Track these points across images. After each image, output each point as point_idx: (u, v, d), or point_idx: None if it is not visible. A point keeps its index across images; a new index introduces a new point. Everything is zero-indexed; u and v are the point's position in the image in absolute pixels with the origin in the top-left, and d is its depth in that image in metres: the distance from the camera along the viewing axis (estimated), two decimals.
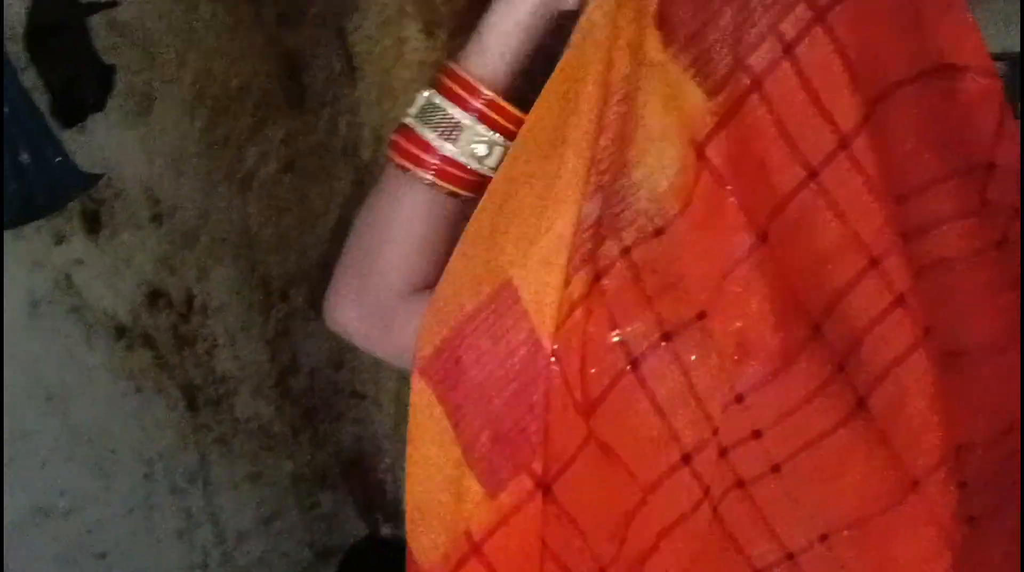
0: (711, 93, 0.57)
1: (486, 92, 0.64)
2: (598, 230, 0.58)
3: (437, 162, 0.63)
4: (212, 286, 1.24)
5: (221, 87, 1.23)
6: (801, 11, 0.57)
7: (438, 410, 0.61)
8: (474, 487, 0.60)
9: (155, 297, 1.18)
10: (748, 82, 0.57)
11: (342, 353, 1.45)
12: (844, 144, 0.57)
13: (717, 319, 0.59)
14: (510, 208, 0.62)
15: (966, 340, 0.61)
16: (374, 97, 1.45)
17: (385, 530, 1.56)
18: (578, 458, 0.61)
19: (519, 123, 0.63)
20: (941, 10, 0.60)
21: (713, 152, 0.57)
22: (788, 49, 0.57)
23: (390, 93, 1.46)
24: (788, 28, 0.57)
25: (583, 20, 0.61)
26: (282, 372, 1.35)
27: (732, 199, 0.58)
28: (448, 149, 0.64)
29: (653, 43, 0.60)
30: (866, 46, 0.57)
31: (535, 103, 0.62)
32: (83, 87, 1.06)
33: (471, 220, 0.62)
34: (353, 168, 1.44)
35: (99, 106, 1.07)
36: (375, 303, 0.66)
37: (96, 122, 1.08)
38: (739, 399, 0.60)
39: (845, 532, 0.61)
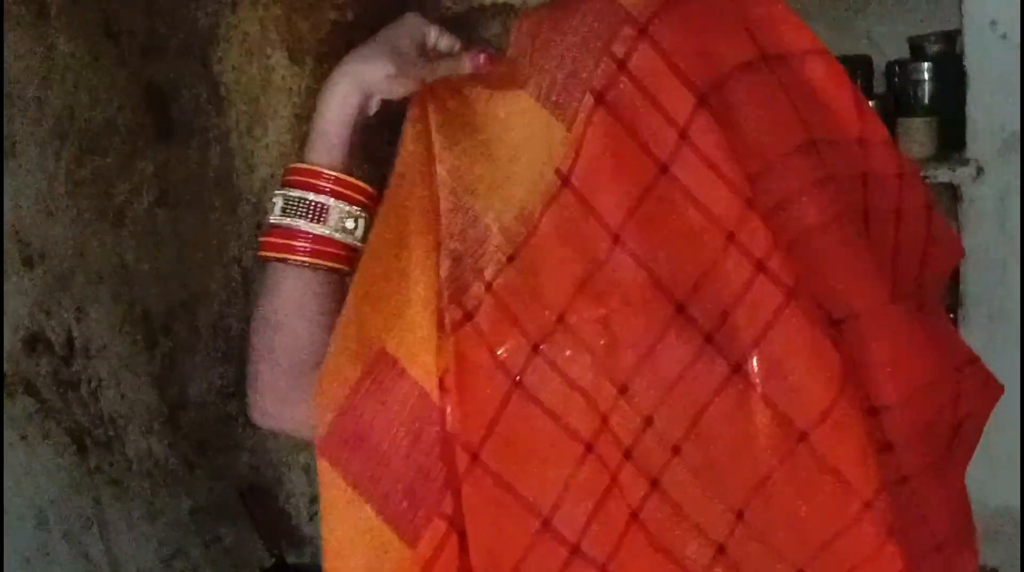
0: (568, 124, 0.64)
1: (331, 173, 0.71)
2: (459, 280, 0.63)
3: (308, 245, 0.70)
4: (92, 326, 1.22)
5: (86, 123, 1.21)
6: (627, 32, 0.64)
7: (342, 483, 0.65)
8: (394, 541, 0.64)
9: (33, 342, 1.15)
10: (592, 101, 0.63)
11: (231, 383, 1.44)
12: (684, 134, 0.63)
13: (576, 316, 0.63)
14: (375, 286, 0.68)
15: (847, 305, 0.67)
16: (244, 126, 1.45)
17: (291, 557, 1.55)
18: (470, 493, 0.65)
19: (371, 195, 0.71)
20: (766, 10, 0.66)
21: (576, 175, 0.64)
22: (621, 65, 0.64)
23: (260, 121, 1.46)
24: (618, 48, 0.64)
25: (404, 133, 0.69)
26: (172, 407, 1.33)
27: (592, 208, 0.63)
28: (319, 230, 0.71)
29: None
30: (689, 48, 0.64)
31: (384, 196, 0.68)
32: None
33: (346, 300, 0.67)
34: (227, 197, 1.44)
35: None
36: (272, 389, 0.71)
37: None
38: (623, 390, 0.64)
39: (754, 502, 0.66)
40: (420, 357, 0.64)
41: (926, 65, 1.34)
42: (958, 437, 0.73)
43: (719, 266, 0.66)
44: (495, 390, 0.64)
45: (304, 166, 0.71)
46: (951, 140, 1.30)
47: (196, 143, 1.38)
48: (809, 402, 0.66)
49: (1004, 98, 1.23)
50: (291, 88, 1.46)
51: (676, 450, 0.66)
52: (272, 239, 0.72)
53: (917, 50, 1.39)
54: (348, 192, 0.72)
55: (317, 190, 0.71)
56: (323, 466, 0.67)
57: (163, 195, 1.33)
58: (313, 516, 1.61)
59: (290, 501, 1.58)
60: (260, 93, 1.45)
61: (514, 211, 0.64)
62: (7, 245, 1.12)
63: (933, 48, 1.37)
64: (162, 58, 1.34)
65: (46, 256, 1.16)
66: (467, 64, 0.73)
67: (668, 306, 0.65)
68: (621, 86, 0.64)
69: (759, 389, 0.65)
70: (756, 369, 0.65)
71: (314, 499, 1.60)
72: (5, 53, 1.11)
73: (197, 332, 1.37)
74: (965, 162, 1.29)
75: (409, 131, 0.69)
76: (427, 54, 0.75)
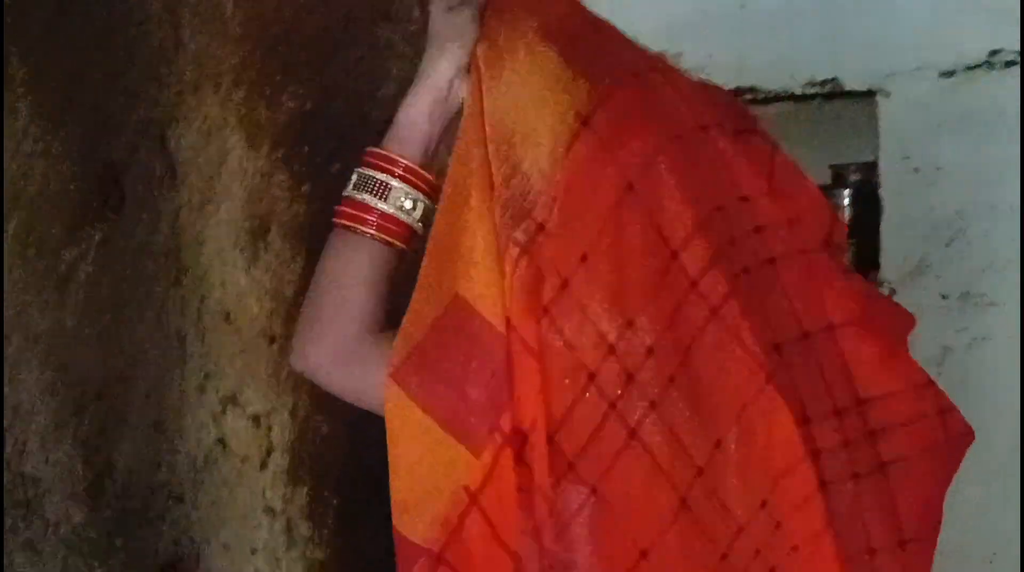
0: (592, 85, 0.79)
1: (402, 160, 0.87)
2: (511, 224, 0.78)
3: (375, 219, 0.88)
4: (23, 386, 1.23)
5: (38, 192, 1.25)
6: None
7: (410, 405, 0.79)
8: (461, 451, 0.75)
9: None
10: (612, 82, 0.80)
11: (161, 454, 1.45)
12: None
13: (593, 256, 0.75)
14: (446, 238, 0.82)
15: (786, 332, 0.76)
16: (196, 202, 1.49)
17: None
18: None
19: (434, 185, 0.86)
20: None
21: (595, 122, 0.77)
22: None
23: (213, 198, 1.50)
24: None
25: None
26: (97, 474, 1.33)
27: (609, 151, 0.73)
28: (382, 206, 0.85)
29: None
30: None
31: (447, 172, 0.84)
32: None
33: (425, 252, 0.81)
34: (174, 270, 1.47)
35: None
36: (335, 345, 0.87)
37: None
38: (630, 324, 0.72)
39: (731, 432, 0.75)
40: (488, 297, 0.78)
41: (846, 191, 1.44)
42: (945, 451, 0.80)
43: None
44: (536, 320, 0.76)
45: (379, 150, 0.88)
46: (866, 262, 1.38)
47: (146, 216, 1.42)
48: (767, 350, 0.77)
49: (915, 226, 1.31)
50: (246, 170, 1.51)
51: (672, 380, 0.76)
52: (346, 209, 0.87)
53: (838, 177, 1.49)
54: (411, 177, 0.86)
55: (386, 171, 0.86)
56: (394, 392, 0.80)
57: (109, 264, 1.35)
58: None
59: None
60: (215, 173, 1.49)
61: (545, 154, 0.77)
62: None
63: (853, 177, 1.46)
64: (120, 133, 1.38)
65: None
66: None
67: (665, 258, 0.75)
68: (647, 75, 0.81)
69: (735, 329, 0.75)
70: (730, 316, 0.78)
71: None
72: None
73: (130, 400, 1.38)
74: (880, 283, 1.37)
75: (467, 90, 0.83)
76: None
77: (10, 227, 1.21)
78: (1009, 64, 1.16)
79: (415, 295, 0.83)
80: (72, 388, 1.29)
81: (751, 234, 0.78)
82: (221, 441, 1.55)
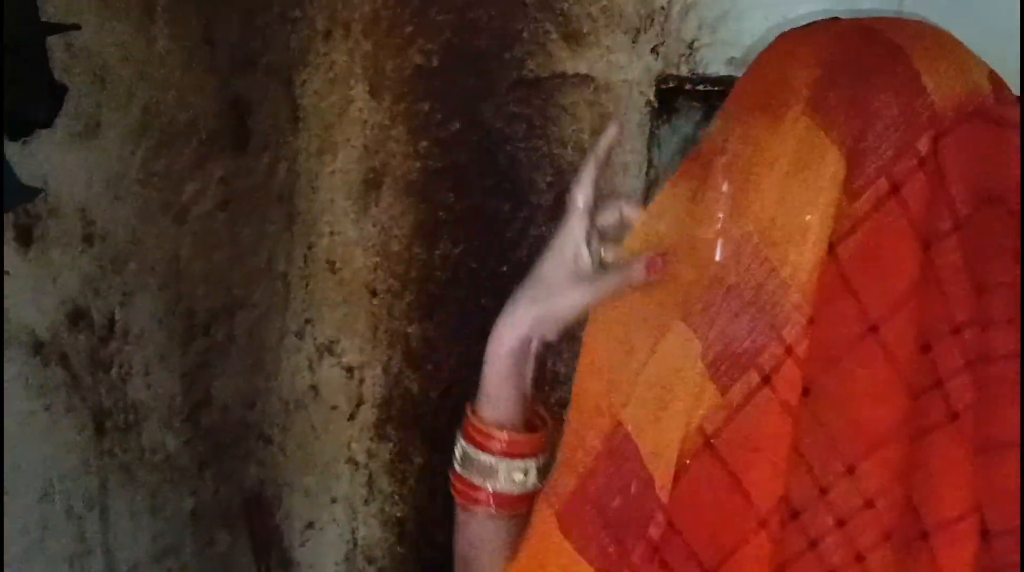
0: (855, 195, 0.66)
1: (501, 435, 0.75)
2: (751, 338, 0.65)
3: (488, 498, 0.75)
4: (135, 313, 1.25)
5: (168, 121, 1.26)
6: (930, 133, 0.66)
7: (570, 549, 0.68)
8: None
9: (77, 317, 1.18)
10: (888, 187, 0.65)
11: (256, 393, 1.46)
12: (927, 244, 0.65)
13: None
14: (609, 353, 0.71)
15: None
16: (314, 149, 1.50)
17: None
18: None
19: (540, 444, 0.76)
20: (1010, 155, 0.69)
21: (843, 251, 0.65)
22: (921, 163, 0.66)
23: (331, 147, 1.50)
24: (922, 146, 0.66)
25: None
26: (194, 406, 1.35)
27: (851, 289, 0.65)
28: (492, 485, 0.75)
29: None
30: (965, 171, 0.66)
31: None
32: (34, 103, 1.08)
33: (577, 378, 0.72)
34: (286, 214, 1.48)
35: (47, 123, 1.09)
36: None
37: (41, 139, 1.10)
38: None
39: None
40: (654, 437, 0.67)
41: None
42: None
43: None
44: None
45: (476, 423, 0.76)
46: None
47: (266, 157, 1.43)
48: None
49: None
50: (366, 121, 1.50)
51: (805, 392, 0.67)
52: (458, 486, 0.78)
53: None
54: (516, 450, 0.75)
55: (487, 449, 0.76)
56: (550, 528, 0.70)
57: (226, 201, 1.37)
58: (305, 543, 1.61)
59: (286, 521, 1.58)
60: (336, 121, 1.49)
61: (808, 268, 0.65)
62: (72, 219, 1.16)
63: None
64: (250, 72, 1.39)
65: (106, 238, 1.20)
66: (638, 274, 0.72)
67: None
68: (917, 184, 0.66)
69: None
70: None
71: (310, 524, 1.61)
72: (103, 41, 1.16)
73: (233, 337, 1.39)
74: None
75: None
76: (589, 272, 0.75)
77: (138, 153, 1.22)
78: None
79: (572, 418, 0.73)
80: (180, 319, 1.31)
81: (996, 325, 0.70)
82: (314, 388, 1.56)
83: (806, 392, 0.65)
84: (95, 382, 1.21)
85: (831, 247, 0.65)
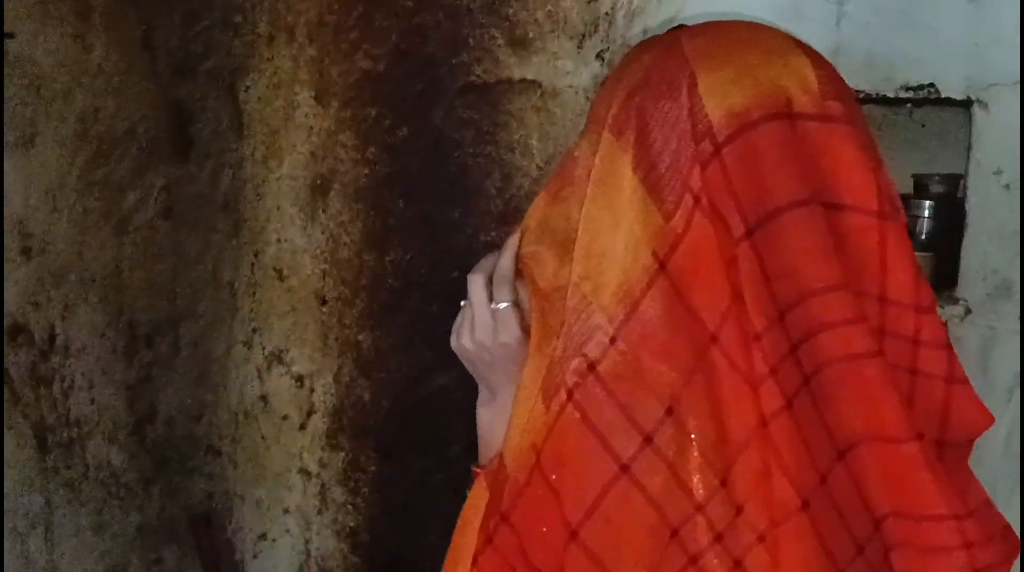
0: (667, 215, 0.68)
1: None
2: (563, 356, 0.69)
3: None
4: (76, 326, 1.22)
5: (107, 128, 1.23)
6: (704, 146, 0.66)
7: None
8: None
9: (16, 332, 1.15)
10: (692, 202, 0.67)
11: (203, 405, 1.43)
12: (726, 248, 0.66)
13: (681, 408, 0.66)
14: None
15: (853, 432, 0.68)
16: (260, 156, 1.47)
17: None
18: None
19: None
20: (835, 155, 0.69)
21: (672, 266, 0.67)
22: (711, 175, 0.68)
23: (276, 154, 1.48)
24: (706, 157, 0.68)
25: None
26: (139, 420, 1.32)
27: (687, 303, 0.65)
28: None
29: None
30: (749, 178, 0.67)
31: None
32: None
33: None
34: (232, 222, 1.45)
35: None
36: None
37: None
38: (724, 483, 0.67)
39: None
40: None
41: (927, 203, 1.38)
42: None
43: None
44: (600, 474, 0.67)
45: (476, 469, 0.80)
46: (944, 278, 1.33)
47: (211, 165, 1.40)
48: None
49: (1000, 245, 1.26)
50: (312, 127, 1.48)
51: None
52: None
53: (920, 188, 1.43)
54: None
55: None
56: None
57: (169, 210, 1.34)
58: (258, 555, 1.59)
59: (238, 534, 1.56)
60: (281, 127, 1.47)
61: (611, 289, 0.68)
62: (10, 231, 1.13)
63: (936, 188, 1.41)
64: (191, 78, 1.36)
65: (45, 250, 1.17)
66: (513, 239, 0.78)
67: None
68: (710, 194, 0.67)
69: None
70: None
71: (262, 536, 1.58)
72: (39, 49, 1.13)
73: (178, 349, 1.37)
74: (955, 301, 1.32)
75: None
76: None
77: (76, 162, 1.19)
78: None
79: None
80: (123, 332, 1.28)
81: (826, 330, 0.70)
82: (263, 398, 1.54)
83: (670, 411, 0.66)
84: (36, 398, 1.18)
85: (662, 265, 0.67)
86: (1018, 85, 1.20)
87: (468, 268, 1.52)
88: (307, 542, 1.60)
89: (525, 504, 0.70)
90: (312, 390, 1.54)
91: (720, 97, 0.67)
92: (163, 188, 1.32)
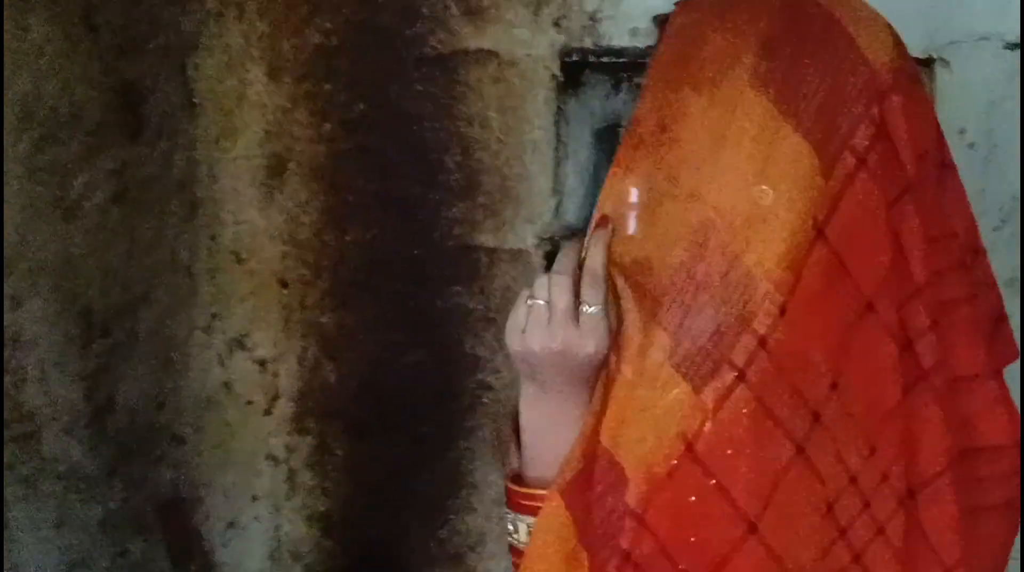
0: (826, 175, 0.63)
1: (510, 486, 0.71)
2: (721, 331, 0.62)
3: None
4: (26, 316, 1.18)
5: (51, 111, 1.19)
6: (871, 103, 0.65)
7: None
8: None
9: None
10: (854, 162, 0.63)
11: (165, 393, 1.40)
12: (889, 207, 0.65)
13: (844, 380, 0.63)
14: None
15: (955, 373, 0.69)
16: (213, 135, 1.44)
17: None
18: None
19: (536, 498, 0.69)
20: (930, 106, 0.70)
21: (831, 232, 0.63)
22: (877, 132, 0.65)
23: (230, 133, 1.45)
24: (875, 112, 0.65)
25: None
26: (97, 411, 1.29)
27: (847, 270, 0.62)
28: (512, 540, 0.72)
29: None
30: (912, 125, 0.66)
31: None
32: None
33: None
34: (187, 204, 1.42)
35: None
36: None
37: None
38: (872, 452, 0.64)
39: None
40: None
41: None
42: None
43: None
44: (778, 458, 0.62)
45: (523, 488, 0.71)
46: None
47: (162, 146, 1.36)
48: None
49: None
50: (266, 104, 1.45)
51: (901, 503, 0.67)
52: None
53: None
54: (512, 500, 0.72)
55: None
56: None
57: (121, 194, 1.30)
58: (228, 543, 1.57)
59: (206, 523, 1.54)
60: (234, 106, 1.44)
61: (777, 255, 0.62)
62: None
63: None
64: (139, 58, 1.32)
65: None
66: (602, 234, 0.69)
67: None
68: (877, 153, 0.64)
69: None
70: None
71: (231, 524, 1.56)
72: None
73: (136, 336, 1.33)
74: None
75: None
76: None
77: (19, 148, 1.15)
78: None
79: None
80: (76, 321, 1.24)
81: (947, 274, 0.70)
82: (226, 384, 1.51)
83: (834, 385, 0.64)
84: None
85: (819, 230, 0.63)
86: (981, 42, 1.19)
87: (431, 244, 1.50)
88: (277, 528, 1.58)
89: (670, 502, 0.62)
90: (276, 374, 1.52)
91: (880, 52, 0.65)
92: (113, 171, 1.28)
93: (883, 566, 0.66)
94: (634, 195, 0.68)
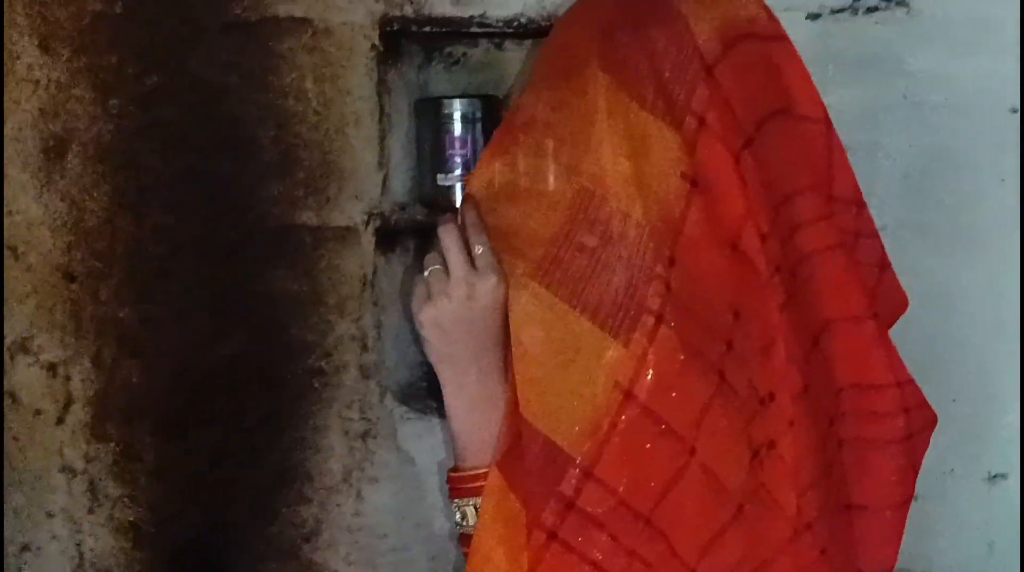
0: (676, 128, 0.72)
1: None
2: (630, 284, 0.64)
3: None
4: None
5: None
6: (698, 67, 0.69)
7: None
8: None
9: None
10: (696, 124, 0.72)
11: None
12: (736, 159, 0.68)
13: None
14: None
15: (825, 316, 0.74)
16: None
17: None
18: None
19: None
20: (790, 70, 0.74)
21: (700, 180, 0.71)
22: (710, 94, 0.73)
23: None
24: (702, 79, 0.73)
25: None
26: None
27: (719, 213, 0.66)
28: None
29: None
30: (742, 91, 0.70)
31: None
32: None
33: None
34: None
35: None
36: None
37: None
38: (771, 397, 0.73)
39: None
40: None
41: None
42: (911, 444, 0.81)
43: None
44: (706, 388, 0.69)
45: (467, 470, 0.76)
46: None
47: None
48: None
49: None
50: (39, 80, 1.30)
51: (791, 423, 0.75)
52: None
53: None
54: (455, 487, 0.76)
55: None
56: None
57: None
58: (22, 567, 1.42)
59: None
60: (1, 82, 1.27)
61: (659, 207, 0.65)
62: None
63: None
64: None
65: None
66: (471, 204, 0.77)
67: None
68: (715, 112, 0.69)
69: None
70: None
71: (25, 547, 1.42)
72: None
73: None
74: None
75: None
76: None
77: None
78: (870, 10, 1.21)
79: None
80: None
81: (805, 226, 0.77)
82: (11, 394, 1.36)
83: (736, 315, 0.70)
84: None
85: (693, 183, 0.70)
86: (784, 14, 1.28)
87: (247, 225, 1.42)
88: (79, 545, 1.44)
89: (618, 449, 0.65)
90: (68, 378, 1.38)
91: (706, 22, 0.70)
92: None
93: (778, 481, 0.74)
94: (503, 175, 0.75)
